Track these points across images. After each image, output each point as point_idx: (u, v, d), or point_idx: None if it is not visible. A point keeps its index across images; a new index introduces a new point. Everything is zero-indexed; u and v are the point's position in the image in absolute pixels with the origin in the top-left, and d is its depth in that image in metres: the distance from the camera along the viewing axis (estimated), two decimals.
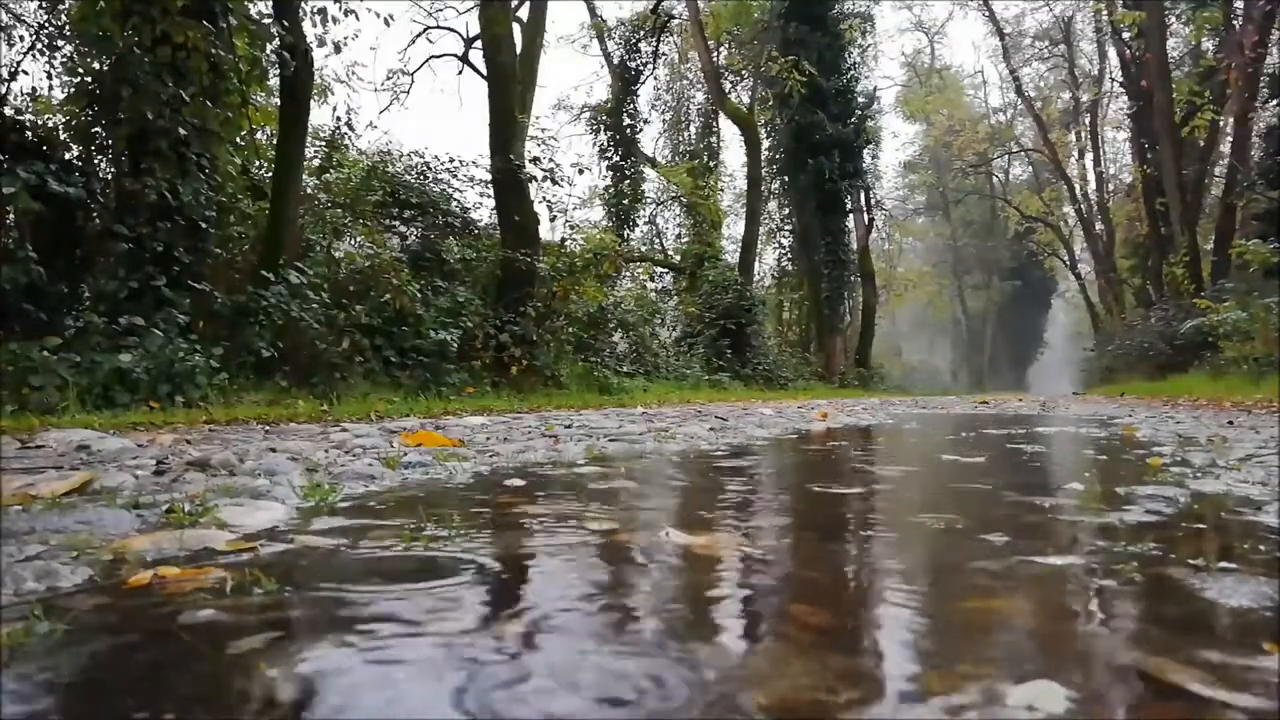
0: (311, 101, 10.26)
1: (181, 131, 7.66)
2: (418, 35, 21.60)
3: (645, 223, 28.86)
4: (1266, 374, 11.59)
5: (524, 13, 16.60)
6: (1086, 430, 5.43)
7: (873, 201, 31.89)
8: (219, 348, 7.34)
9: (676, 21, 27.73)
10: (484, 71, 13.92)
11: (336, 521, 1.81)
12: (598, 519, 1.84)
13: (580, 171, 18.11)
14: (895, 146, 53.38)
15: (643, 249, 27.20)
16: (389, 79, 21.96)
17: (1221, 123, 22.04)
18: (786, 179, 27.96)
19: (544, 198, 14.13)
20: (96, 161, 8.31)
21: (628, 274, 23.25)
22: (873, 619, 1.13)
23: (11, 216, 6.98)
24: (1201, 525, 1.82)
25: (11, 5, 9.12)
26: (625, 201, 26.16)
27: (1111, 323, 31.66)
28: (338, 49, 10.46)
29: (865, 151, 28.97)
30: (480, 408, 8.45)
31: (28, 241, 6.82)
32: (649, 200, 28.45)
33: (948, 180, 47.33)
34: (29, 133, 7.72)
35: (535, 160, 13.57)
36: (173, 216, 7.53)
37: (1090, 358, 34.17)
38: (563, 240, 16.28)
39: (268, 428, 5.23)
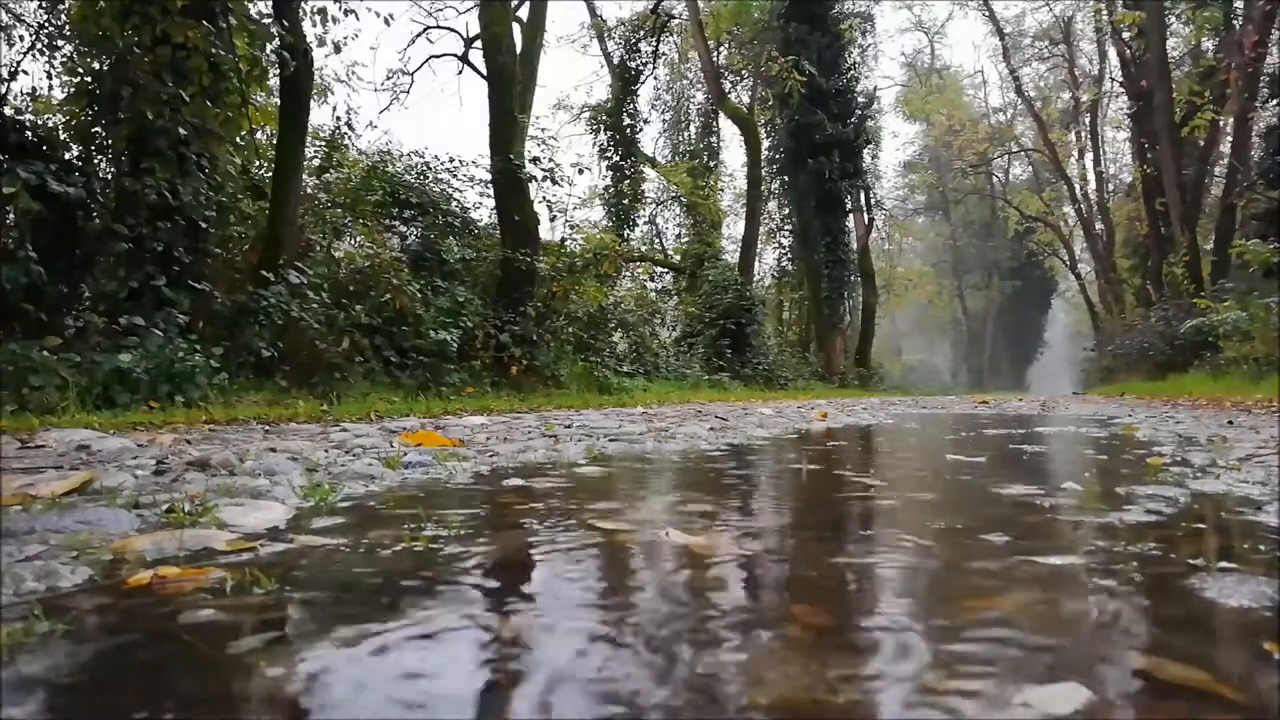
0: (311, 101, 10.26)
1: (181, 131, 7.65)
2: (418, 35, 21.60)
3: (645, 223, 28.89)
4: (1266, 374, 11.58)
5: (524, 12, 16.60)
6: (1086, 430, 5.43)
7: (873, 201, 31.87)
8: (219, 348, 7.33)
9: (676, 21, 27.73)
10: (484, 71, 13.91)
11: (336, 521, 1.81)
12: (597, 519, 1.84)
13: (580, 171, 18.13)
14: (895, 146, 53.47)
15: (643, 249, 27.18)
16: (389, 79, 21.95)
17: (1221, 123, 22.02)
18: (786, 179, 27.95)
19: (544, 197, 14.14)
20: (96, 161, 8.30)
21: (628, 274, 23.22)
22: (873, 619, 1.13)
23: (11, 216, 6.97)
24: (1201, 525, 1.82)
25: (11, 5, 9.12)
26: (625, 201, 26.15)
27: (1111, 323, 31.65)
28: (338, 49, 10.48)
29: (865, 151, 28.95)
30: (480, 408, 8.44)
31: (28, 241, 6.81)
32: (649, 200, 28.46)
33: (948, 180, 47.31)
34: (29, 133, 7.70)
35: (535, 160, 13.56)
36: (173, 216, 7.53)
37: (1090, 358, 34.20)
38: (563, 240, 16.28)
39: (268, 428, 5.22)
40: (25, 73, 8.86)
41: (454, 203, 14.26)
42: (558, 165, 14.17)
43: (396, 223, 13.57)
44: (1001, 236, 50.44)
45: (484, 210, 14.77)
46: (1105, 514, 1.91)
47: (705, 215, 26.30)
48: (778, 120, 27.41)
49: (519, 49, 14.05)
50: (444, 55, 30.64)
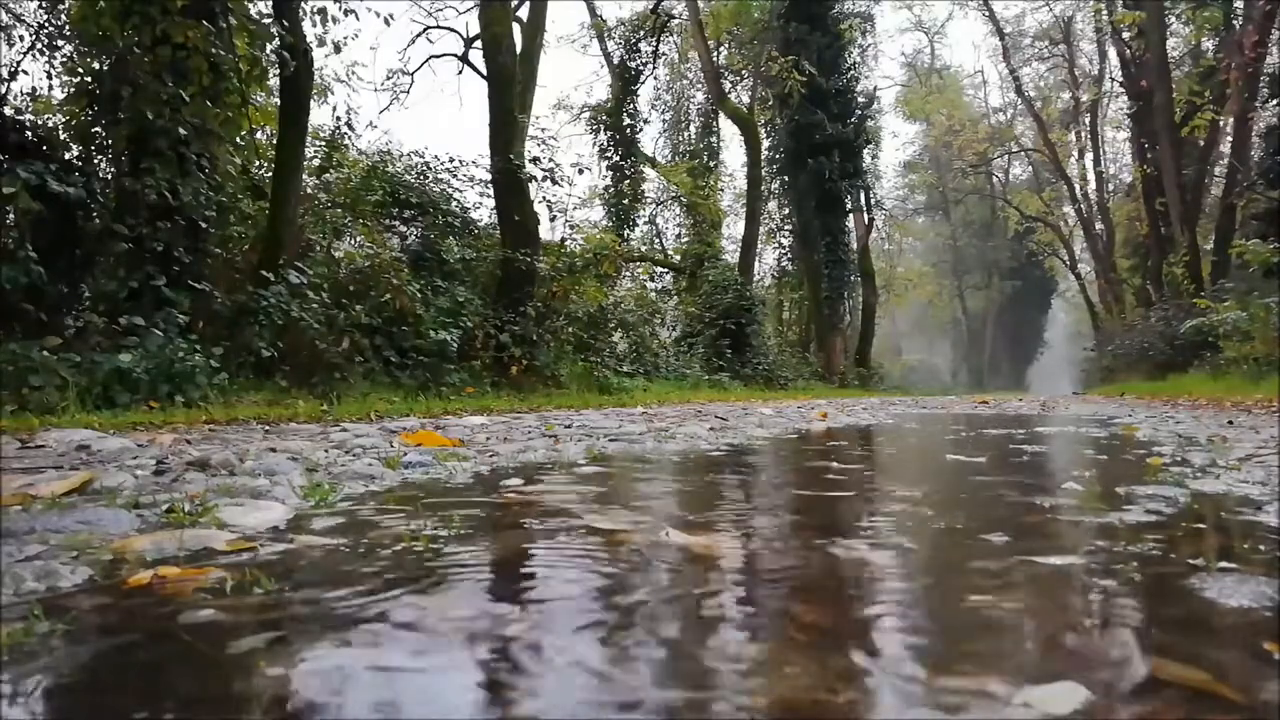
0: (311, 101, 10.26)
1: (181, 131, 7.65)
2: (418, 35, 21.60)
3: (645, 223, 28.90)
4: (1266, 374, 11.58)
5: (524, 12, 16.61)
6: (1086, 430, 5.43)
7: (873, 201, 31.87)
8: (219, 348, 7.33)
9: (676, 21, 27.73)
10: (484, 71, 13.91)
11: (336, 521, 1.81)
12: (597, 519, 1.84)
13: (580, 171, 18.13)
14: (895, 146, 53.51)
15: (643, 249, 27.18)
16: (389, 79, 21.95)
17: (1221, 123, 22.01)
18: (786, 179, 27.95)
19: (544, 197, 14.13)
20: (96, 161, 8.29)
21: (628, 274, 23.22)
22: (873, 618, 1.13)
23: (11, 216, 6.97)
24: (1201, 525, 1.82)
25: (11, 5, 9.12)
26: (625, 201, 26.16)
27: (1111, 323, 31.66)
28: (338, 49, 10.48)
29: (865, 151, 28.94)
30: (480, 408, 8.44)
31: (28, 241, 6.81)
32: (649, 200, 28.46)
33: (948, 180, 47.32)
34: (29, 133, 7.70)
35: (535, 160, 13.56)
36: (173, 216, 7.53)
37: (1090, 358, 34.21)
38: (563, 240, 16.28)
39: (268, 428, 5.22)
40: (25, 73, 8.88)
41: (454, 203, 14.26)
42: (558, 165, 14.18)
43: (396, 223, 13.57)
44: (1001, 236, 50.45)
45: (484, 210, 14.79)
46: (1105, 514, 1.91)
47: (705, 215, 26.30)
48: (778, 120, 27.41)
49: (519, 49, 14.05)
50: (444, 55, 30.64)
